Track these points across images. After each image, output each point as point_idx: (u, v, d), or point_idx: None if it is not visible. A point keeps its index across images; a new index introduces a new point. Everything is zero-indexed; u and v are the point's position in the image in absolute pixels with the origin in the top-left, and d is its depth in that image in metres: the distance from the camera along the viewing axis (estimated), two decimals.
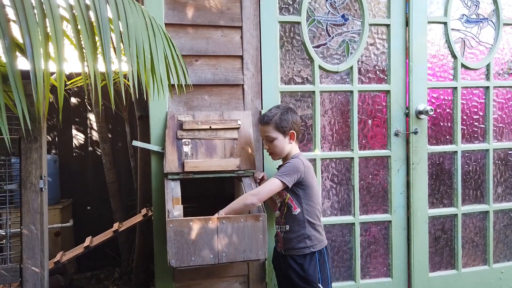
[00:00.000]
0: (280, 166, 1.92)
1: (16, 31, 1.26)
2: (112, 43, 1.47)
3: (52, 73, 2.18)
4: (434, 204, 2.38)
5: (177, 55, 1.62)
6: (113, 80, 2.90)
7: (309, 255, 1.78)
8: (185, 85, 1.73)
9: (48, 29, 1.27)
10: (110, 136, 3.51)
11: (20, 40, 1.25)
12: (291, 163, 1.78)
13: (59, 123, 3.55)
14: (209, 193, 2.15)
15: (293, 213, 1.79)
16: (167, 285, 1.97)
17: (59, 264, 2.32)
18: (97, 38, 1.35)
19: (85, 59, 1.32)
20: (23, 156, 1.69)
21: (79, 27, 1.31)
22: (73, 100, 3.73)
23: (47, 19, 1.26)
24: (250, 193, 1.73)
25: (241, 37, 2.07)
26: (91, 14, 1.35)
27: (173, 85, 1.82)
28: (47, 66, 1.26)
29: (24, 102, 1.27)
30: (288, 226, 1.81)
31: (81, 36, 1.31)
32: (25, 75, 1.37)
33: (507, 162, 2.52)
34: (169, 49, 1.58)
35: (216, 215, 1.67)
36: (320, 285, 1.78)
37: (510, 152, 2.52)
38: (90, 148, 3.78)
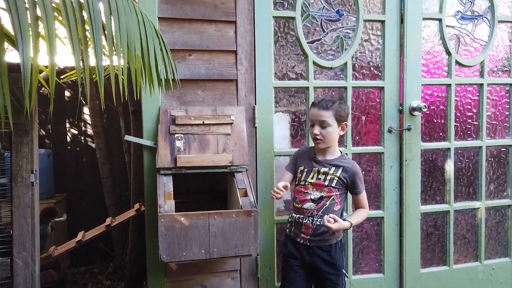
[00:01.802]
0: (315, 157, 1.88)
1: (7, 23, 1.24)
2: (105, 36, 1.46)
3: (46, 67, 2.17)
4: (426, 200, 2.39)
5: (166, 51, 1.61)
6: (106, 75, 2.89)
7: (334, 244, 1.83)
8: (172, 80, 1.72)
9: (40, 26, 1.26)
10: (104, 130, 3.49)
11: (11, 31, 1.23)
12: (358, 171, 1.85)
13: (50, 116, 3.52)
14: (202, 189, 2.15)
15: (334, 209, 1.82)
16: (159, 280, 1.97)
17: (50, 258, 2.32)
18: (88, 34, 1.34)
19: (77, 53, 1.30)
20: (14, 150, 1.68)
21: (70, 19, 1.30)
22: (67, 93, 3.71)
23: (38, 9, 1.24)
24: (367, 211, 1.90)
25: (235, 32, 2.06)
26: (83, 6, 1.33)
27: (164, 80, 1.81)
28: (37, 58, 1.25)
29: (8, 95, 1.26)
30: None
31: (71, 28, 1.30)
32: (14, 68, 1.36)
33: (499, 160, 2.53)
34: (159, 45, 1.57)
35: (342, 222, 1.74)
36: (344, 271, 1.85)
37: (503, 149, 2.53)
38: (84, 143, 3.77)
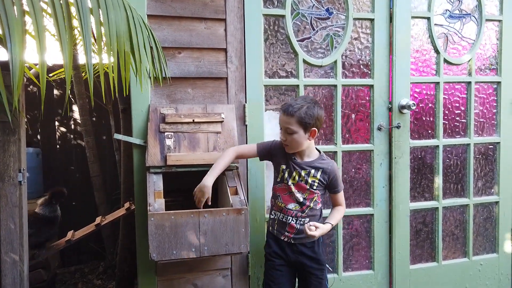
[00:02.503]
0: (294, 158, 1.82)
1: None
2: (93, 34, 1.45)
3: (36, 65, 2.14)
4: (415, 197, 2.41)
5: (156, 47, 1.60)
6: (96, 72, 2.87)
7: (317, 239, 1.85)
8: (163, 78, 1.71)
9: (28, 22, 1.24)
10: (94, 129, 3.46)
11: None
12: (337, 171, 1.86)
13: (41, 115, 3.49)
14: (194, 187, 2.14)
15: (317, 208, 1.84)
16: (150, 279, 1.97)
17: (40, 258, 2.30)
18: (77, 31, 1.33)
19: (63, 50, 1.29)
20: (1, 148, 1.67)
21: (58, 15, 1.28)
22: (56, 92, 3.67)
23: (26, 5, 1.23)
24: (344, 208, 1.93)
25: (225, 30, 2.05)
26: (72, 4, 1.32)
27: (153, 77, 1.80)
28: (23, 55, 1.23)
29: None
30: (308, 219, 1.80)
31: (59, 25, 1.29)
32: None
33: (487, 157, 2.56)
34: (149, 42, 1.56)
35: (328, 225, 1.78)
36: (327, 265, 1.87)
37: (490, 146, 2.56)
38: (74, 141, 3.74)
